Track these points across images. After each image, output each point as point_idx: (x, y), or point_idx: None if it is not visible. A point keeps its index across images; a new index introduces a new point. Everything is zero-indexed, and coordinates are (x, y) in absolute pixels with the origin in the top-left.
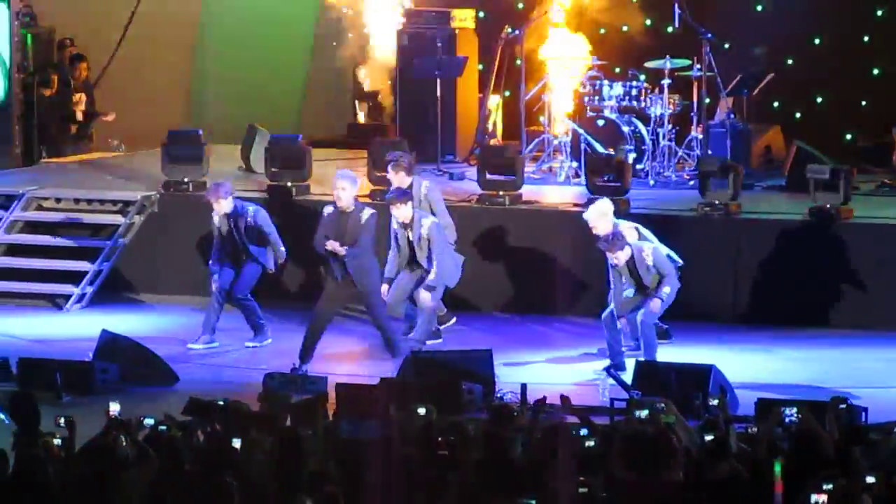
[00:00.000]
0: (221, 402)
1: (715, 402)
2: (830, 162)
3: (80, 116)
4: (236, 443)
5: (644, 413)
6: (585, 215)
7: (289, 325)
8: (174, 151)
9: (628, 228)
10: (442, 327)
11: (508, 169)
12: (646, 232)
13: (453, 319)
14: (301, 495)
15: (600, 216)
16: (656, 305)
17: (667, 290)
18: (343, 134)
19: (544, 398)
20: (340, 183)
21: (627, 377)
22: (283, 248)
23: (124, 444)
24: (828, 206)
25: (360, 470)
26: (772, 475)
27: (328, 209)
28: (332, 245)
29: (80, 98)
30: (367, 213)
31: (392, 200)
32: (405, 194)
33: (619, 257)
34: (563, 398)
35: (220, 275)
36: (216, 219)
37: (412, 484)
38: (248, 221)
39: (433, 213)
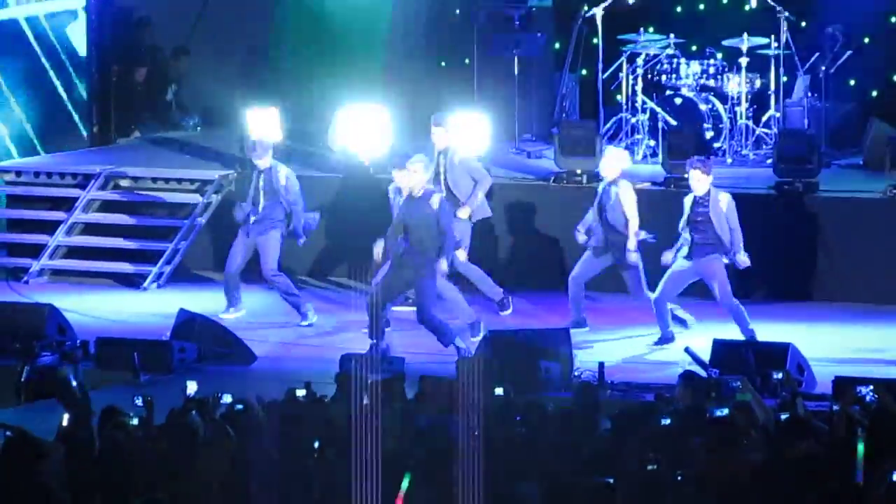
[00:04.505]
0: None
1: (780, 375)
2: None
3: (169, 96)
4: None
5: (724, 412)
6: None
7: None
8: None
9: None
10: None
11: (586, 148)
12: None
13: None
14: None
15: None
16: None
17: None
18: None
19: None
20: (413, 166)
21: (705, 355)
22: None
23: (202, 422)
24: None
25: (440, 453)
26: (851, 453)
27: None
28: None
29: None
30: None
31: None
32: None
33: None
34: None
35: None
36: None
37: (490, 464)
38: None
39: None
